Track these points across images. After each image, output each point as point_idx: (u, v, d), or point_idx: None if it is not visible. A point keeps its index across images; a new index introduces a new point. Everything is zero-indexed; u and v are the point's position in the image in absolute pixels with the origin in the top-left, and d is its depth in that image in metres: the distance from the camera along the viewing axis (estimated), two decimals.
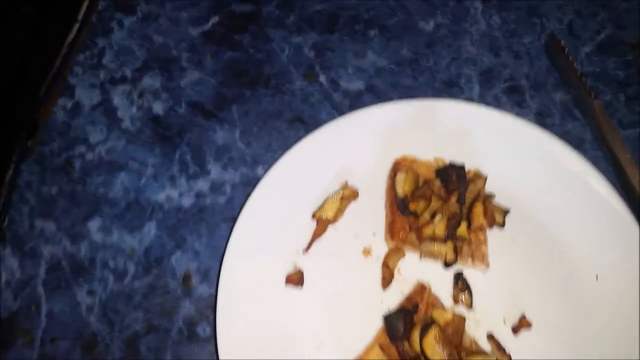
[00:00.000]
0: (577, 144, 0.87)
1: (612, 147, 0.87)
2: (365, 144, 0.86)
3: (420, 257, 0.79)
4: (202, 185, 0.87)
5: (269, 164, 0.85)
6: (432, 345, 0.67)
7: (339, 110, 0.94)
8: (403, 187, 0.80)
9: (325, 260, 0.79)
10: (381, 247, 0.80)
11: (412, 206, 0.79)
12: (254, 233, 0.78)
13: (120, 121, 0.92)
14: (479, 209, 0.79)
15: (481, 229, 0.79)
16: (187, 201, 0.85)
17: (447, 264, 0.77)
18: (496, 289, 0.78)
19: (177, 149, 0.90)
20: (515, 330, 0.75)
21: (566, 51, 0.97)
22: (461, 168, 0.80)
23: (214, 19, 1.04)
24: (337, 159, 0.85)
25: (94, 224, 0.82)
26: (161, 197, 0.85)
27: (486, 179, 0.82)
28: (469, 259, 0.78)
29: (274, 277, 0.77)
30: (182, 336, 0.76)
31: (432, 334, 0.68)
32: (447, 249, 0.76)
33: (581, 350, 0.74)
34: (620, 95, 0.96)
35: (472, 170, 0.83)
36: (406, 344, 0.69)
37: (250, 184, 0.86)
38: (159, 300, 0.78)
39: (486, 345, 0.73)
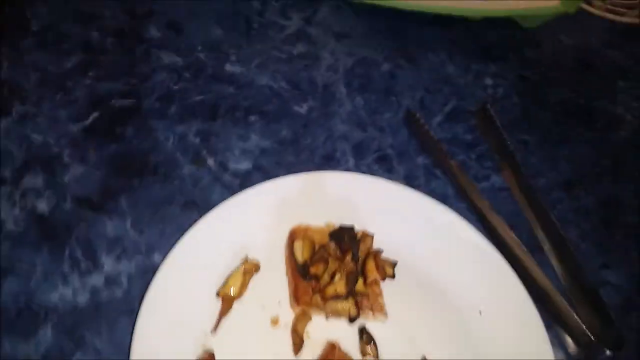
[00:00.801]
0: (442, 199, 0.99)
1: (472, 198, 1.01)
2: (259, 219, 0.91)
3: (327, 317, 0.83)
4: (97, 280, 0.84)
5: (165, 250, 0.85)
6: None
7: (230, 190, 0.98)
8: (302, 254, 0.85)
9: (235, 336, 0.80)
10: (288, 315, 0.83)
11: (312, 270, 0.84)
12: (158, 323, 0.77)
13: (3, 223, 0.87)
14: (371, 265, 0.87)
15: (375, 282, 0.86)
16: (82, 299, 0.82)
17: (351, 319, 0.82)
18: (397, 337, 0.84)
19: (66, 245, 0.87)
20: None
21: (422, 122, 1.12)
22: (351, 229, 0.88)
23: (95, 115, 1.05)
24: (234, 237, 0.89)
25: None
26: (54, 297, 0.81)
27: (373, 237, 0.91)
28: (369, 312, 0.84)
29: None
30: None
31: None
32: (349, 305, 0.81)
33: None
34: (472, 155, 1.12)
35: (360, 231, 0.91)
36: None
37: (147, 272, 0.85)
38: None
39: None
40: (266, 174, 1.02)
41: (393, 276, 0.88)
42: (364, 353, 0.81)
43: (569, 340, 0.88)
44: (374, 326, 0.84)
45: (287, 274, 0.87)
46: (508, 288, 0.89)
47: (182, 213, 0.94)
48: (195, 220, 0.87)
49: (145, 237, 0.90)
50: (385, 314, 0.85)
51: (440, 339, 0.85)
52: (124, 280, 0.85)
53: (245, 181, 1.01)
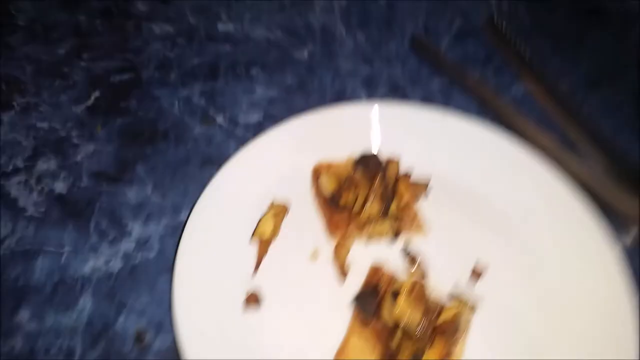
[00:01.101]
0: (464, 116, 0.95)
1: (497, 108, 0.97)
2: (280, 161, 0.88)
3: (366, 242, 0.79)
4: (127, 246, 0.82)
5: (190, 208, 0.82)
6: (404, 309, 0.67)
7: (245, 143, 0.95)
8: (328, 186, 0.82)
9: (277, 274, 0.77)
10: (326, 248, 0.80)
11: (342, 200, 0.80)
12: (196, 274, 0.74)
13: (23, 211, 0.85)
14: (402, 187, 0.83)
15: (409, 204, 0.83)
16: (115, 266, 0.80)
17: (392, 239, 0.79)
18: (442, 251, 0.81)
19: (91, 219, 0.85)
20: (474, 277, 0.78)
21: (431, 45, 1.08)
22: (374, 156, 0.85)
23: (96, 94, 1.03)
24: (256, 183, 0.86)
25: (23, 315, 0.74)
26: (87, 268, 0.79)
27: (398, 162, 0.87)
28: (409, 230, 0.80)
29: (230, 309, 0.73)
30: None
31: (402, 298, 0.68)
32: (387, 225, 0.78)
33: (538, 282, 0.78)
34: (487, 70, 1.08)
35: (384, 158, 0.87)
36: (380, 321, 0.68)
37: (177, 230, 0.83)
38: None
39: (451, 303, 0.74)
40: (278, 122, 0.98)
41: (426, 194, 0.85)
42: (409, 272, 0.78)
43: (618, 229, 0.83)
44: (416, 245, 0.81)
45: (317, 209, 0.84)
46: (551, 187, 0.85)
47: (201, 171, 0.92)
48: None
49: (169, 199, 0.88)
50: (426, 230, 0.81)
51: (486, 244, 0.82)
52: (155, 242, 0.83)
53: (259, 132, 0.97)
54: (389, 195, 0.80)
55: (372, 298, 0.70)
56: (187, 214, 0.85)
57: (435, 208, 0.85)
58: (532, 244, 0.81)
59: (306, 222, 0.83)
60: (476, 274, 0.78)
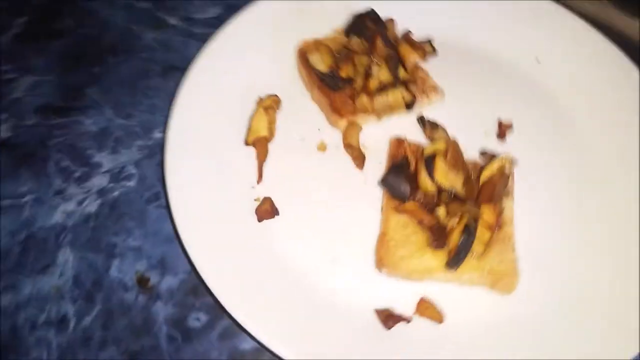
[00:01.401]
0: None
1: None
2: (257, 50, 0.75)
3: (379, 117, 0.69)
4: (99, 181, 0.69)
5: (163, 123, 0.69)
6: (445, 172, 0.58)
7: (209, 40, 0.80)
8: (322, 63, 0.70)
9: (285, 176, 0.66)
10: (333, 136, 0.69)
11: (343, 73, 0.69)
12: (195, 193, 0.62)
13: None
14: (405, 47, 0.72)
15: (417, 65, 0.72)
16: (91, 206, 0.67)
17: (408, 106, 0.68)
18: (463, 112, 0.72)
19: (47, 160, 0.71)
20: (501, 135, 0.70)
21: None
22: (370, 12, 0.72)
23: (23, 19, 0.85)
24: (234, 79, 0.73)
25: None
26: (57, 217, 0.66)
27: (393, 21, 0.75)
28: (423, 95, 0.70)
29: (243, 224, 0.62)
30: (176, 341, 0.58)
31: (439, 162, 0.58)
32: (400, 91, 0.67)
33: (569, 137, 0.71)
34: None
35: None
36: (419, 192, 0.59)
37: (154, 151, 0.71)
38: (124, 322, 0.59)
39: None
40: (242, 10, 0.83)
41: (434, 50, 0.73)
42: (432, 138, 0.68)
43: None
44: (432, 112, 0.71)
45: (314, 95, 0.72)
46: (566, 28, 0.76)
47: (165, 80, 0.78)
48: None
49: (135, 119, 0.74)
50: (441, 93, 0.71)
51: (509, 99, 0.73)
52: (131, 168, 0.70)
53: (221, 25, 0.82)
54: (395, 57, 0.69)
55: (402, 173, 0.60)
56: (161, 130, 0.72)
57: (444, 70, 0.74)
58: (555, 93, 0.73)
59: (303, 112, 0.71)
60: (503, 131, 0.70)
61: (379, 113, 0.68)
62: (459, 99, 0.72)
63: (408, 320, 0.56)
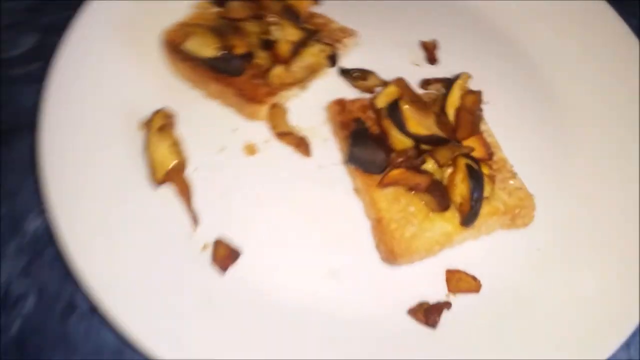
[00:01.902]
0: None
1: None
2: (113, 61, 0.58)
3: (302, 86, 0.56)
4: None
5: (35, 205, 0.51)
6: (416, 119, 0.48)
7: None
8: (207, 48, 0.54)
9: (224, 204, 0.52)
10: (256, 130, 0.56)
11: (238, 50, 0.54)
12: (124, 276, 0.46)
13: None
14: None
15: (313, 14, 0.60)
16: None
17: (332, 59, 0.56)
18: (380, 48, 0.62)
19: None
20: (431, 59, 0.62)
21: None
22: None
23: None
24: (103, 105, 0.56)
25: None
26: None
27: None
28: (337, 44, 0.58)
29: (200, 290, 0.47)
30: None
31: (406, 110, 0.48)
32: (317, 45, 0.55)
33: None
34: None
35: None
36: (394, 154, 0.49)
37: (40, 247, 0.52)
38: None
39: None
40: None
41: None
42: (368, 89, 0.57)
43: None
44: (348, 60, 0.60)
45: (210, 92, 0.57)
46: None
47: (10, 150, 0.58)
48: None
49: None
50: (354, 33, 0.60)
51: (427, 22, 0.64)
52: (20, 285, 0.51)
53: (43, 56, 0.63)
54: (291, 8, 0.55)
55: (366, 139, 0.49)
56: (36, 215, 0.54)
57: (342, 9, 0.62)
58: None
59: (206, 117, 0.56)
60: (431, 53, 0.61)
61: (301, 81, 0.55)
62: (370, 36, 0.62)
63: (449, 305, 0.46)
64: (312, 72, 0.56)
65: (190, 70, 0.56)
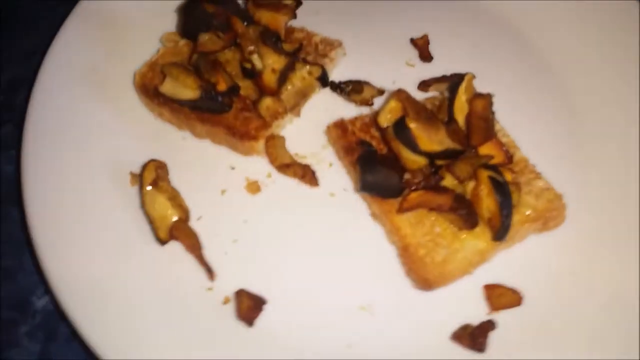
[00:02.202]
0: None
1: None
2: (87, 114, 0.54)
3: (296, 112, 0.53)
4: None
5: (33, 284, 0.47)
6: (426, 134, 0.45)
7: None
8: (186, 87, 0.50)
9: (239, 251, 0.49)
10: (255, 166, 0.52)
11: (220, 86, 0.50)
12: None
13: None
14: (264, 14, 0.53)
15: (292, 28, 0.56)
16: None
17: (322, 80, 0.53)
18: (370, 53, 0.58)
19: None
20: (424, 56, 0.59)
21: None
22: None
23: None
24: (88, 165, 0.52)
25: None
26: None
27: None
28: (324, 59, 0.55)
29: (229, 346, 0.44)
30: None
31: (414, 127, 0.44)
32: (303, 67, 0.50)
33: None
34: None
35: None
36: (407, 174, 0.46)
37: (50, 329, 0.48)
38: None
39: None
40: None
41: (298, 1, 0.55)
42: (365, 101, 0.54)
43: None
44: (339, 73, 0.56)
45: (198, 132, 0.53)
46: None
47: None
48: None
49: None
50: (340, 44, 0.56)
51: (416, 19, 0.60)
52: None
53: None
54: (267, 31, 0.50)
55: (375, 162, 0.46)
56: (39, 296, 0.50)
57: (321, 19, 0.58)
58: None
59: (199, 160, 0.53)
60: (424, 50, 0.58)
61: (293, 107, 0.52)
62: (356, 42, 0.58)
63: (494, 325, 0.44)
64: (304, 96, 0.52)
65: (171, 114, 0.52)
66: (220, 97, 0.50)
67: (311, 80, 0.51)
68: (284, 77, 0.49)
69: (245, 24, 0.50)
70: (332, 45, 0.56)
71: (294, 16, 0.55)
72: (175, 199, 0.49)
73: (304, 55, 0.54)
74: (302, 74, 0.50)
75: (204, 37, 0.51)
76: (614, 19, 0.58)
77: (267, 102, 0.49)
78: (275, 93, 0.49)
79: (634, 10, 0.58)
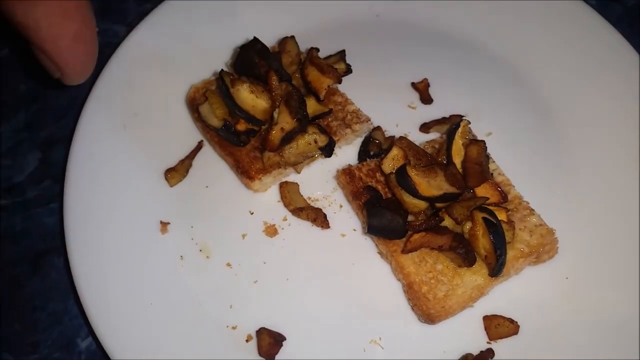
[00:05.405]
0: None
1: None
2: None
3: (297, 170, 0.58)
4: None
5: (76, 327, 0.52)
6: (425, 181, 0.49)
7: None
8: (215, 116, 0.55)
9: (259, 292, 0.53)
10: (272, 211, 0.57)
11: (239, 125, 0.55)
12: None
13: None
14: (312, 71, 0.58)
15: (333, 90, 0.60)
16: None
17: (325, 151, 0.56)
18: (374, 97, 0.62)
19: None
20: (425, 98, 0.63)
21: None
22: (255, 42, 0.57)
23: None
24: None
25: None
26: None
27: (290, 38, 0.60)
28: (346, 128, 0.59)
29: None
30: None
31: (414, 175, 0.49)
32: (311, 135, 0.54)
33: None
34: None
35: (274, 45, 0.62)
36: (410, 216, 0.51)
37: None
38: None
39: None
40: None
41: (348, 67, 0.60)
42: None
43: None
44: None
45: (216, 152, 0.60)
46: None
47: (43, 278, 0.59)
48: None
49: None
50: (367, 120, 0.59)
51: (415, 65, 0.65)
52: None
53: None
54: (296, 94, 0.54)
55: (381, 207, 0.50)
56: (84, 337, 0.55)
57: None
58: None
59: (222, 205, 0.58)
60: (424, 92, 0.63)
61: (293, 164, 0.56)
62: (361, 87, 0.62)
63: (493, 353, 0.48)
64: (305, 158, 0.56)
65: (203, 129, 0.59)
66: (237, 134, 0.55)
67: (314, 146, 0.55)
68: (289, 137, 0.53)
69: (281, 79, 0.55)
70: (360, 118, 0.59)
71: (339, 82, 0.59)
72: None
73: (332, 119, 0.58)
74: (309, 139, 0.54)
75: (240, 82, 0.55)
76: (609, 60, 0.62)
77: (268, 154, 0.54)
78: (276, 149, 0.54)
79: (633, 59, 0.62)
